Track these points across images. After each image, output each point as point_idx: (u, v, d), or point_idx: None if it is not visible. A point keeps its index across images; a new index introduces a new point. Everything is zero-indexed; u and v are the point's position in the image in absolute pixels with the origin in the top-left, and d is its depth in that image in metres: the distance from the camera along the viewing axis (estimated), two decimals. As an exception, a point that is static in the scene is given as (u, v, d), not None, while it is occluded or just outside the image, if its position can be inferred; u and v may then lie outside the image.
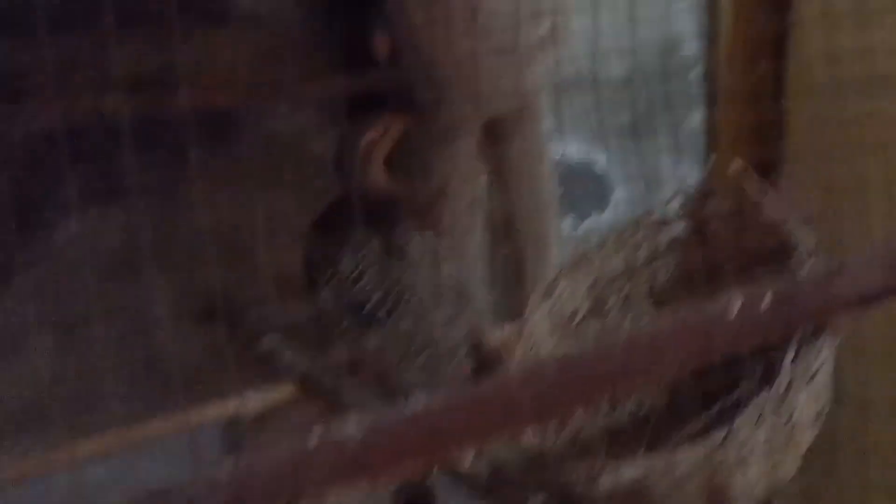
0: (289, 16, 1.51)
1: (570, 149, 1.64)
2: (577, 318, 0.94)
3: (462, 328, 0.97)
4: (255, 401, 1.14)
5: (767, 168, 0.92)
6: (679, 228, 0.91)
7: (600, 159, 1.68)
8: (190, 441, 1.30)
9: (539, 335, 0.90)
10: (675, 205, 0.92)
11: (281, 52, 1.49)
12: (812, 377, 0.69)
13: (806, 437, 0.71)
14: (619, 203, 1.68)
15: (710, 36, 1.65)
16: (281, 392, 1.16)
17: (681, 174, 1.55)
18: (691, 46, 1.66)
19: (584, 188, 1.65)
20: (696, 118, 1.71)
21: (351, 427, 0.48)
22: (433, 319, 0.95)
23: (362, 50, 1.50)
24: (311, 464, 0.47)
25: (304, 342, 1.20)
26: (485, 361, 0.95)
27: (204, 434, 1.48)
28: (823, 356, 0.70)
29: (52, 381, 1.34)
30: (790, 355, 0.70)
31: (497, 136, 1.48)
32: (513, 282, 1.53)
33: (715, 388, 0.76)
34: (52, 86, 1.22)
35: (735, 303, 0.60)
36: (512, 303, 1.50)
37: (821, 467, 0.77)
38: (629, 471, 0.68)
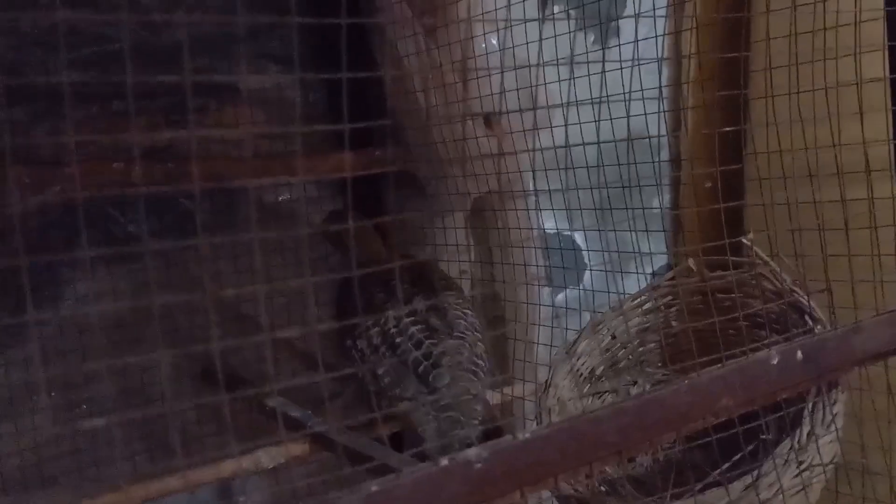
0: (292, 94, 1.59)
1: (549, 224, 1.73)
2: (595, 377, 1.02)
3: (478, 398, 1.00)
4: (265, 458, 1.16)
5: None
6: (688, 295, 1.01)
7: (576, 235, 1.78)
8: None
9: (562, 390, 0.97)
10: (684, 275, 1.02)
11: (283, 124, 1.57)
12: (829, 425, 0.78)
13: (821, 481, 0.79)
14: (594, 276, 1.78)
15: (675, 126, 1.78)
16: (291, 449, 1.18)
17: (649, 250, 1.65)
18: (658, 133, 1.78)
19: (561, 261, 1.73)
20: (662, 199, 1.83)
21: (473, 453, 0.55)
22: (459, 386, 0.98)
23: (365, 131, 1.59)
24: (442, 484, 0.53)
25: (305, 402, 1.23)
26: (493, 432, 0.98)
27: (200, 495, 1.50)
28: (838, 407, 0.79)
29: (56, 440, 1.36)
30: (809, 406, 0.79)
31: (486, 211, 1.57)
32: (497, 349, 1.60)
33: (727, 440, 0.82)
34: (70, 155, 1.27)
35: (775, 356, 0.69)
36: (496, 365, 1.57)
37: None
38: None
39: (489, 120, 1.33)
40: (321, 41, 1.40)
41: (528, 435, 0.57)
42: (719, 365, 0.67)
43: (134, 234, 1.43)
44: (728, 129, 0.81)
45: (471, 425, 0.95)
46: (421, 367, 0.98)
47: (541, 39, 1.22)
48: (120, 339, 1.37)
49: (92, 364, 1.26)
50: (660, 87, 0.97)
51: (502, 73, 1.28)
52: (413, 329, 1.01)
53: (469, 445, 0.91)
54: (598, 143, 1.10)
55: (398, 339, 1.00)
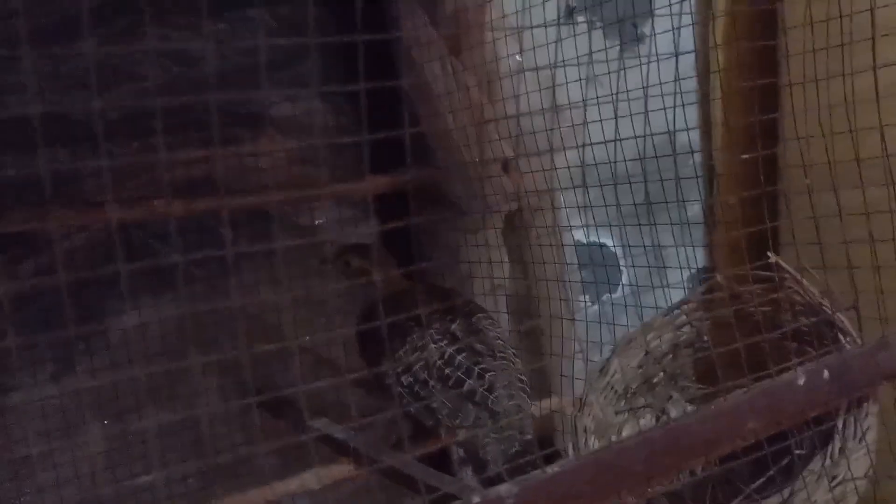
0: (321, 119, 1.62)
1: (582, 234, 1.74)
2: (630, 393, 1.04)
3: (523, 416, 1.02)
4: (312, 479, 1.19)
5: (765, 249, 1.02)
6: (719, 310, 1.02)
7: (610, 244, 1.79)
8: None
9: (597, 408, 0.99)
10: (712, 290, 1.03)
11: (316, 152, 1.60)
12: (861, 439, 0.79)
13: (859, 493, 0.80)
14: (629, 288, 1.78)
15: (706, 127, 1.78)
16: (335, 471, 1.21)
17: (684, 257, 1.65)
18: (690, 138, 1.78)
19: (595, 271, 1.74)
20: (696, 204, 1.83)
21: (504, 489, 0.57)
22: (512, 405, 1.01)
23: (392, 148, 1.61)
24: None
25: (348, 423, 1.25)
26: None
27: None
28: (869, 420, 0.80)
29: (106, 466, 1.41)
30: (840, 421, 0.80)
31: (518, 225, 1.59)
32: (533, 361, 1.61)
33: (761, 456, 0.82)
34: (109, 191, 1.32)
35: (801, 377, 0.70)
36: (535, 380, 1.59)
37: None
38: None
39: (507, 165, 1.35)
40: (351, 63, 1.43)
41: (556, 468, 0.59)
42: (745, 389, 0.69)
43: (177, 264, 1.47)
44: (746, 155, 0.82)
45: (525, 441, 0.97)
46: (477, 395, 1.00)
47: (553, 59, 1.24)
48: (168, 364, 1.41)
49: (143, 422, 1.31)
50: (672, 106, 0.99)
51: (518, 120, 1.30)
52: (459, 357, 1.03)
53: (530, 462, 0.94)
54: (615, 161, 1.12)
55: (447, 371, 1.02)
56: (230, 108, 1.52)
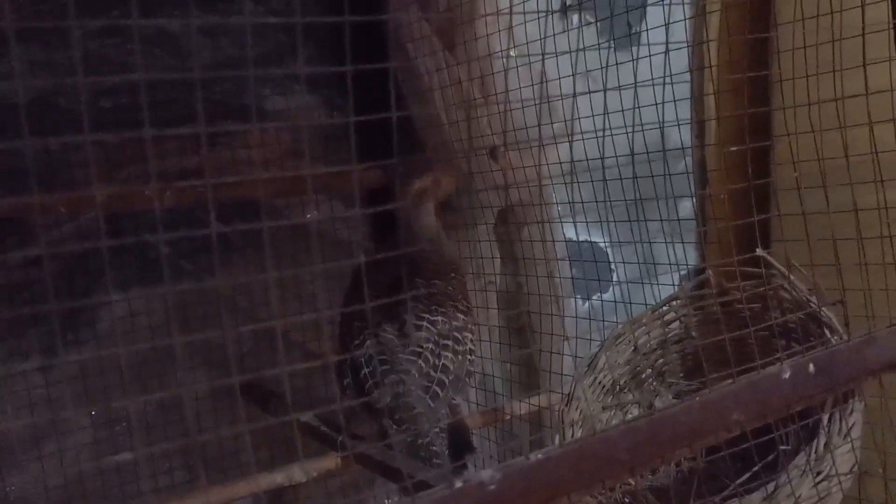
0: (315, 112, 1.62)
1: (574, 232, 1.74)
2: (617, 389, 1.04)
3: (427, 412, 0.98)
4: (298, 472, 1.18)
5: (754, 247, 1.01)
6: (708, 306, 1.02)
7: (602, 242, 1.79)
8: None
9: (584, 403, 0.99)
10: (701, 285, 1.03)
11: (309, 144, 1.60)
12: (846, 435, 0.79)
13: (843, 488, 0.80)
14: (621, 286, 1.78)
15: (699, 124, 1.77)
16: (323, 463, 1.20)
17: (677, 255, 1.65)
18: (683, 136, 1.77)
19: (587, 269, 1.74)
20: (687, 203, 1.83)
21: (486, 474, 0.57)
22: (402, 402, 0.98)
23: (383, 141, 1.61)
24: (458, 505, 0.55)
25: (335, 417, 1.25)
26: (459, 446, 0.98)
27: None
28: (855, 417, 0.80)
29: (92, 457, 1.40)
30: (826, 417, 0.80)
31: (511, 221, 1.59)
32: (525, 357, 1.62)
33: (745, 451, 0.82)
34: (98, 181, 1.31)
35: (786, 370, 0.70)
36: (524, 376, 1.59)
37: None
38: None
39: (495, 152, 1.34)
40: (343, 58, 1.43)
41: (540, 455, 0.59)
42: (730, 381, 0.69)
43: (166, 255, 1.47)
44: (735, 148, 0.82)
45: (432, 433, 0.95)
46: (367, 386, 0.98)
47: (553, 55, 1.24)
48: (157, 355, 1.41)
49: (124, 401, 1.31)
50: (663, 102, 0.98)
51: (506, 102, 1.30)
52: (367, 343, 1.00)
53: (434, 452, 0.92)
54: (603, 156, 1.11)
55: (357, 362, 1.01)
56: (222, 101, 1.52)
